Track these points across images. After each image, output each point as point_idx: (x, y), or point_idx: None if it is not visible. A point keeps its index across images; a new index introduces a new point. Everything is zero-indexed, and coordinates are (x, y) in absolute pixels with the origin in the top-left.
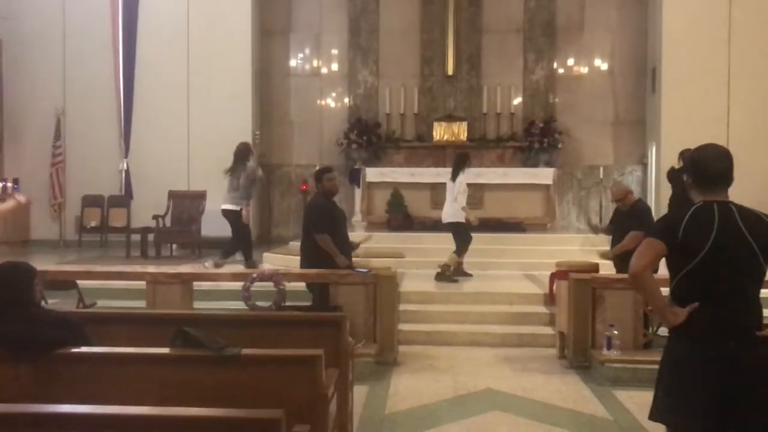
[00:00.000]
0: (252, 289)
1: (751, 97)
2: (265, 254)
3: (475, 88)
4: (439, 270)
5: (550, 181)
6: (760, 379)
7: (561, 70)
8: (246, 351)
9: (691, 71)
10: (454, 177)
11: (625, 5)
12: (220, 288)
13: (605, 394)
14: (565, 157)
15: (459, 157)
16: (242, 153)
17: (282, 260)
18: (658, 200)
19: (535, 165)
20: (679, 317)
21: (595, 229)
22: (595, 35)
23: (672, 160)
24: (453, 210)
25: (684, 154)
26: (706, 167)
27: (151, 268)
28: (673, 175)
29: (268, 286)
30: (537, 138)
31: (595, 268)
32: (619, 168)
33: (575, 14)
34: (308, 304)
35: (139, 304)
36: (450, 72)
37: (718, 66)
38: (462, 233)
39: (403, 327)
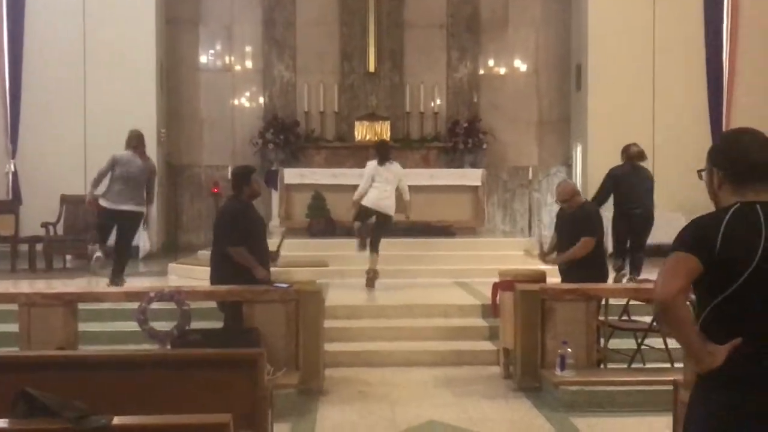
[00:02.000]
0: (149, 310)
1: (677, 95)
2: (171, 265)
3: (398, 85)
4: (368, 275)
5: (478, 182)
6: None
7: (485, 69)
8: (120, 420)
9: (616, 69)
10: (383, 162)
11: (548, 0)
12: (111, 308)
13: (563, 424)
14: (490, 158)
15: (384, 143)
16: (143, 140)
17: (189, 272)
18: None
19: (460, 166)
20: (718, 358)
21: (542, 256)
22: (519, 32)
23: (598, 160)
24: (393, 202)
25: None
26: (746, 156)
27: (25, 287)
28: None
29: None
30: (461, 138)
31: (542, 276)
32: (544, 169)
33: (499, 9)
34: (218, 327)
35: (13, 329)
36: (372, 69)
37: (644, 63)
38: (388, 229)
39: (329, 347)
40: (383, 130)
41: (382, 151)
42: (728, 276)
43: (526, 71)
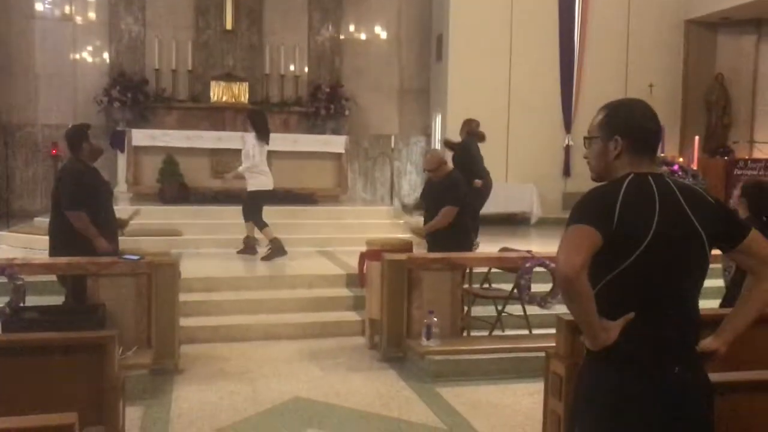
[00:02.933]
0: None
1: (532, 68)
2: (2, 233)
3: (257, 46)
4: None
5: (342, 150)
6: (707, 416)
7: (347, 33)
8: None
9: (475, 40)
10: (267, 138)
11: None
12: None
13: (429, 394)
14: (351, 125)
15: (262, 115)
16: None
17: (25, 241)
18: None
19: (321, 132)
20: (611, 334)
21: (408, 209)
22: None
23: (457, 131)
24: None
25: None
26: (644, 124)
27: None
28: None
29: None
30: (323, 104)
31: (408, 246)
32: (404, 138)
33: None
34: (58, 304)
35: None
36: (229, 26)
37: (502, 36)
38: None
39: (184, 322)
40: (241, 92)
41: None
42: (624, 249)
43: (387, 38)
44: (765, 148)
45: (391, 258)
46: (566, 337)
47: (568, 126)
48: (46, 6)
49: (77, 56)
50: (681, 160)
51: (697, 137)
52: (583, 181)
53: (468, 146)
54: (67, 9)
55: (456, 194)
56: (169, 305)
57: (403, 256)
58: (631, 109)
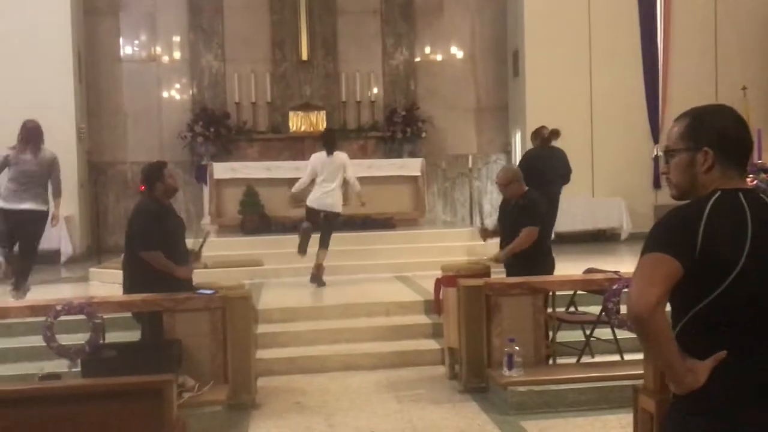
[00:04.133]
0: (57, 325)
1: (613, 80)
2: (92, 270)
3: (333, 74)
4: (313, 272)
5: (418, 173)
6: None
7: (421, 56)
8: None
9: (553, 54)
10: (330, 152)
11: None
12: (19, 321)
13: (513, 428)
14: (428, 146)
15: (331, 132)
16: (37, 132)
17: (113, 276)
18: None
19: (398, 155)
20: (699, 376)
21: (484, 234)
22: (454, 18)
23: None
24: (339, 198)
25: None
26: (735, 135)
27: None
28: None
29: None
30: (400, 127)
31: (486, 271)
32: (483, 156)
33: None
34: (134, 341)
35: None
36: (304, 57)
37: (580, 49)
38: (336, 225)
39: (262, 354)
40: (319, 121)
41: (329, 141)
42: (711, 279)
43: (462, 58)
44: None
45: (467, 284)
46: (655, 371)
47: (655, 136)
48: (132, 48)
49: (162, 94)
50: None
51: None
52: None
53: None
54: (151, 50)
55: (534, 213)
56: (244, 338)
57: (480, 282)
58: (721, 116)
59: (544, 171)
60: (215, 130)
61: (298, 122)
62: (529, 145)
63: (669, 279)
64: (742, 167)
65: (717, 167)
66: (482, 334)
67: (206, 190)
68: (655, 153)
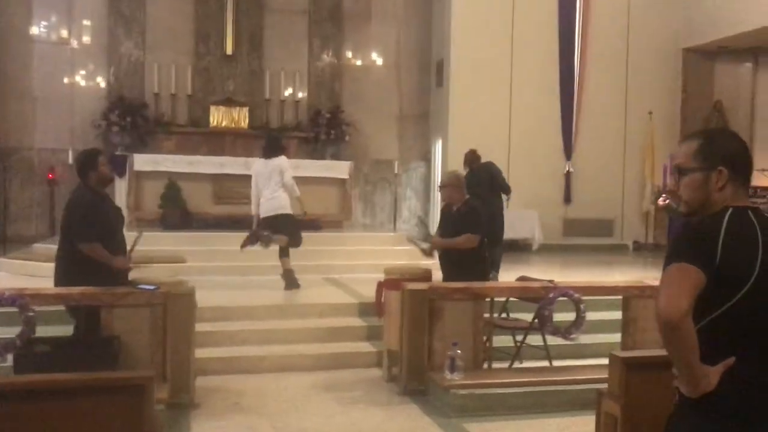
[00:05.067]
0: None
1: (532, 95)
2: (0, 260)
3: (257, 71)
4: (285, 277)
5: (346, 175)
6: None
7: (347, 59)
8: None
9: (477, 68)
10: (269, 156)
11: None
12: None
13: (458, 431)
14: (351, 150)
15: (274, 137)
16: None
17: (23, 267)
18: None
19: (321, 157)
20: (712, 380)
21: (425, 252)
22: (381, 25)
23: (457, 157)
24: (282, 200)
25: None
26: (745, 156)
27: None
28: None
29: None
30: (324, 129)
31: (428, 275)
32: (404, 163)
33: (362, 0)
34: (69, 336)
35: None
36: (229, 51)
37: (503, 65)
38: (297, 225)
39: (196, 353)
40: (241, 117)
41: (268, 145)
42: (727, 290)
43: (387, 64)
44: (763, 176)
45: (412, 287)
46: (621, 376)
47: (568, 153)
48: (42, 30)
49: (76, 80)
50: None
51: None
52: (583, 207)
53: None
54: (64, 33)
55: (477, 222)
56: (185, 337)
57: (424, 286)
58: (732, 137)
59: (484, 186)
60: (132, 120)
61: (219, 117)
62: (452, 155)
63: (695, 288)
64: (747, 186)
65: (729, 186)
66: (424, 337)
67: (120, 182)
68: (567, 169)
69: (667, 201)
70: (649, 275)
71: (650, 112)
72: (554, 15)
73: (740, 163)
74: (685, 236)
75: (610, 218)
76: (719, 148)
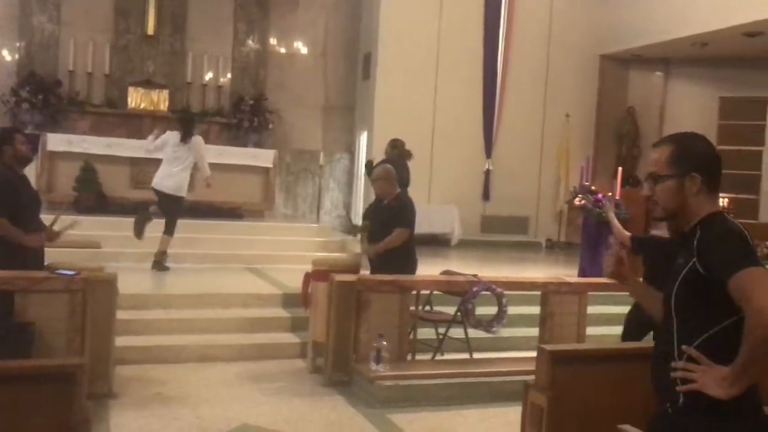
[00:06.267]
0: None
1: (456, 90)
2: None
3: (179, 52)
4: (155, 258)
5: (270, 164)
6: None
7: (273, 46)
8: None
9: (404, 61)
10: (186, 139)
11: None
12: None
13: (382, 421)
14: (275, 138)
15: (188, 118)
16: None
17: None
18: (368, 192)
19: (243, 144)
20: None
21: (353, 230)
22: (309, 13)
23: (382, 150)
24: (179, 181)
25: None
26: (717, 161)
27: None
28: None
29: None
30: (247, 116)
31: (356, 267)
32: (327, 154)
33: None
34: None
35: None
36: (150, 31)
37: (429, 60)
38: (179, 210)
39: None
40: (161, 100)
41: (186, 127)
42: None
43: (314, 54)
44: None
45: (340, 279)
46: (548, 368)
47: (488, 151)
48: None
49: None
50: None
51: (620, 168)
52: (500, 205)
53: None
54: None
55: (406, 215)
56: (106, 325)
57: (353, 278)
58: (703, 142)
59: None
60: (44, 97)
61: (137, 99)
62: (376, 147)
63: None
64: (718, 191)
65: (703, 191)
66: (351, 329)
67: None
68: (487, 167)
69: (583, 201)
70: (562, 272)
71: (567, 115)
72: (480, 15)
73: (713, 168)
74: (732, 240)
75: (525, 216)
76: (693, 153)
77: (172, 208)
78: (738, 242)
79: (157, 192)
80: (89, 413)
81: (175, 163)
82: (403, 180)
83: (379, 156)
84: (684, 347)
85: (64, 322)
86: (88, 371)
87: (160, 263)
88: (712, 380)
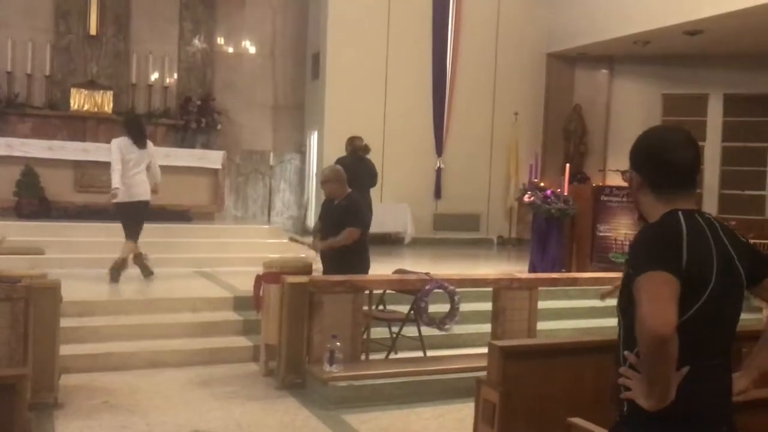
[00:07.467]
0: None
1: (406, 90)
2: None
3: (123, 53)
4: (115, 265)
5: (219, 166)
6: None
7: (219, 46)
8: None
9: (354, 61)
10: (142, 143)
11: None
12: None
13: (336, 422)
14: (223, 139)
15: (138, 122)
16: None
17: None
18: (320, 192)
19: (191, 146)
20: (672, 393)
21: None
22: (255, 12)
23: (332, 149)
24: (148, 186)
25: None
26: (673, 157)
27: None
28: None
29: None
30: (194, 117)
31: (308, 269)
32: (278, 155)
33: None
34: None
35: None
36: (93, 31)
37: (378, 59)
38: (145, 215)
39: (60, 350)
40: (105, 101)
41: (139, 131)
42: (691, 295)
43: (262, 53)
44: (616, 176)
45: (292, 281)
46: (499, 364)
47: (439, 149)
48: None
49: None
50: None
51: (568, 165)
52: (452, 203)
53: (352, 165)
54: None
55: (357, 215)
56: (50, 333)
57: (304, 279)
58: (657, 135)
59: (355, 179)
60: None
61: (80, 100)
62: (327, 147)
63: (675, 296)
64: (684, 189)
65: (647, 188)
66: (303, 330)
67: None
68: (438, 165)
69: (532, 198)
70: (514, 268)
71: (516, 113)
72: (428, 14)
73: (658, 164)
74: (648, 240)
75: (476, 213)
76: (635, 152)
77: (144, 214)
78: (654, 245)
79: (132, 204)
80: (31, 425)
81: (136, 169)
82: (364, 182)
83: (333, 156)
84: (625, 353)
85: (5, 331)
86: (31, 381)
87: (118, 271)
88: (642, 389)
